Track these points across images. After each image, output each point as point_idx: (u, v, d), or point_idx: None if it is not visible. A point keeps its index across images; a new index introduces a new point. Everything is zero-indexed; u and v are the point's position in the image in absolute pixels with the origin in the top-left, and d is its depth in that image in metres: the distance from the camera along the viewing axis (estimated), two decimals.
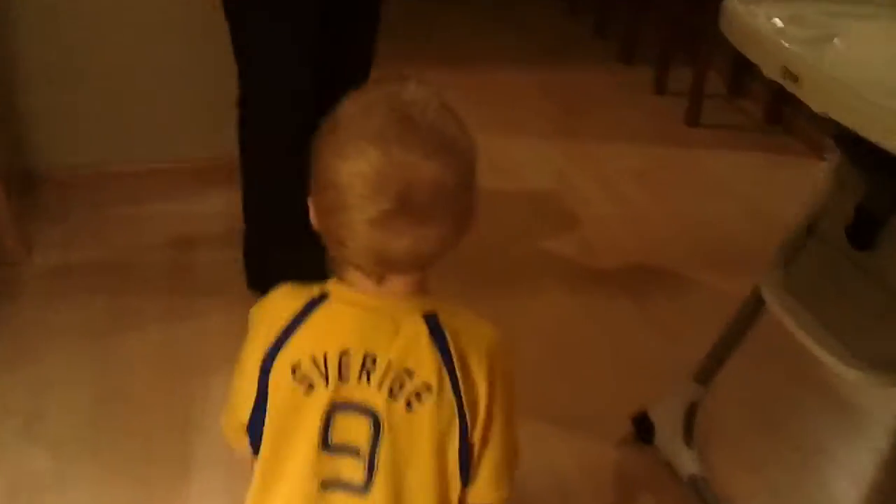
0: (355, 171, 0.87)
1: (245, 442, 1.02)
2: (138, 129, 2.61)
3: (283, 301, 1.00)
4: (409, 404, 0.95)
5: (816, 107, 1.06)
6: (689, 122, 3.29)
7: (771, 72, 1.13)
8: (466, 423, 0.97)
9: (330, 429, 0.97)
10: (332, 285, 0.99)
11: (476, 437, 0.98)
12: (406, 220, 0.88)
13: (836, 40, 1.15)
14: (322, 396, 0.96)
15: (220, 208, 2.55)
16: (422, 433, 0.96)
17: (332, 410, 0.97)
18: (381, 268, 0.94)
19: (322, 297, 0.98)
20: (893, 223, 1.28)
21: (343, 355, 0.96)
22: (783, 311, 1.46)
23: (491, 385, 0.98)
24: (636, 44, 3.80)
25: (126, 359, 2.04)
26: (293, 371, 0.96)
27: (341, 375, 0.96)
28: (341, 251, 0.93)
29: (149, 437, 1.83)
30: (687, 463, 1.75)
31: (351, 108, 0.93)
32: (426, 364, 0.95)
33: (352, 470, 0.98)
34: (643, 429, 1.86)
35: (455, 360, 0.96)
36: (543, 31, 4.20)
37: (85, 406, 1.90)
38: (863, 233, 1.31)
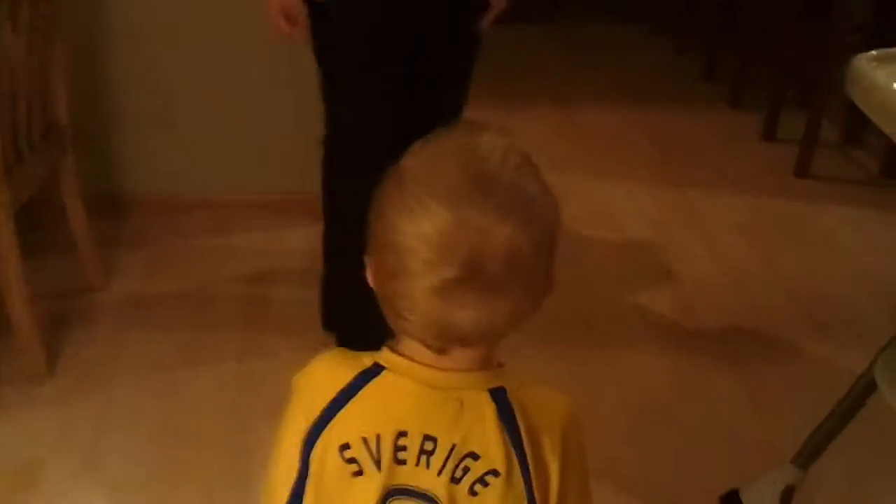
0: (419, 232, 0.79)
1: None
2: (225, 161, 2.63)
3: (331, 370, 0.91)
4: (473, 491, 0.87)
5: None
6: (798, 172, 3.12)
7: None
8: (534, 497, 0.87)
9: None
10: (386, 355, 0.90)
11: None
12: (474, 291, 0.79)
13: None
14: (373, 482, 0.87)
15: (301, 244, 2.51)
16: None
17: (386, 497, 0.88)
18: (444, 343, 0.84)
19: (375, 369, 0.89)
20: None
21: (399, 437, 0.86)
22: None
23: (564, 464, 0.89)
24: (745, 87, 3.65)
25: (193, 396, 2.00)
26: (341, 451, 0.87)
27: (397, 459, 0.87)
28: (400, 323, 0.85)
29: (208, 486, 1.77)
30: None
31: (418, 159, 0.85)
32: (493, 447, 0.86)
33: None
34: None
35: (525, 440, 0.87)
36: (648, 71, 4.09)
37: (146, 446, 1.86)
38: None
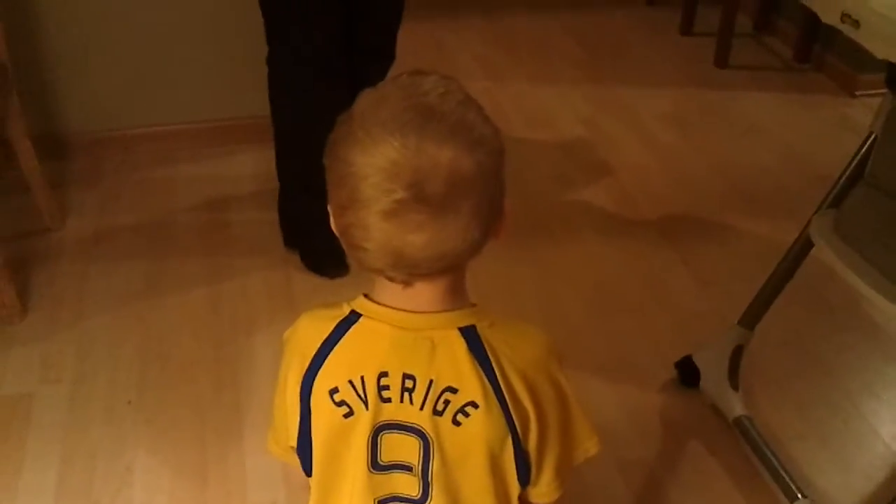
0: (368, 161, 0.82)
1: (296, 461, 1.01)
2: (167, 91, 2.60)
3: (313, 324, 0.97)
4: (456, 421, 0.92)
5: (878, 52, 1.04)
6: (718, 63, 3.24)
7: (829, 18, 1.10)
8: (518, 434, 0.93)
9: (378, 449, 0.95)
10: (361, 302, 0.94)
11: (531, 445, 0.95)
12: (422, 212, 0.82)
13: None
14: (364, 420, 0.93)
15: (252, 167, 2.55)
16: (472, 447, 0.93)
17: (378, 432, 0.94)
18: (403, 271, 0.87)
19: (353, 317, 0.94)
20: None
21: (381, 377, 0.92)
22: (834, 255, 1.46)
23: (539, 398, 0.94)
24: None
25: (168, 321, 2.05)
26: (331, 395, 0.93)
27: (381, 398, 0.92)
28: (360, 255, 0.88)
29: (199, 399, 1.85)
30: (733, 405, 1.76)
31: (366, 100, 0.87)
32: (468, 381, 0.91)
33: (407, 486, 0.97)
34: (687, 373, 1.87)
35: (498, 375, 0.91)
36: None
37: (132, 369, 1.93)
38: None
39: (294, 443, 0.99)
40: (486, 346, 0.91)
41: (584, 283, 2.19)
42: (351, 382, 0.92)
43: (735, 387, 1.78)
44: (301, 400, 0.95)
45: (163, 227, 2.37)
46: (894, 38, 1.03)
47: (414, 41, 3.14)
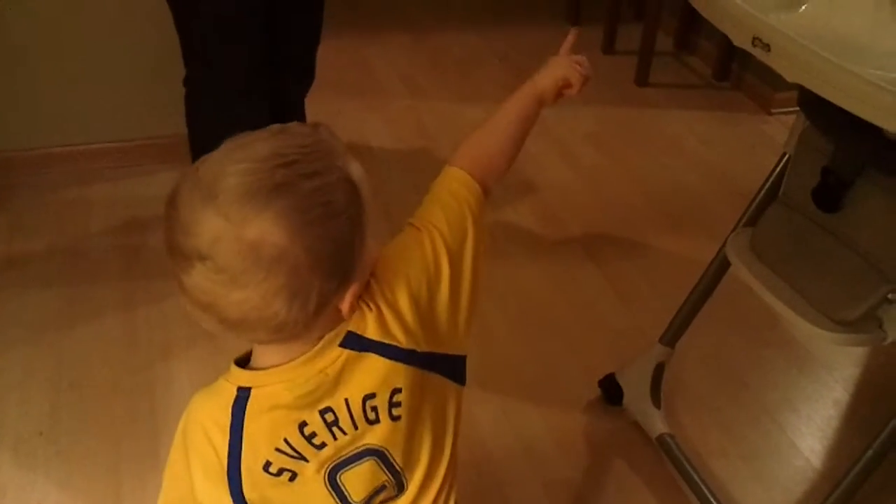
0: (177, 213, 0.84)
1: None
2: (81, 109, 2.53)
3: (210, 413, 0.92)
4: (393, 417, 0.92)
5: (789, 76, 1.05)
6: (638, 81, 3.28)
7: (741, 41, 1.11)
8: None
9: (345, 491, 0.94)
10: (242, 375, 0.91)
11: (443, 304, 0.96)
12: (216, 280, 0.80)
13: (804, 7, 1.14)
14: (311, 472, 0.92)
15: (170, 188, 2.48)
16: (420, 421, 0.94)
17: (332, 475, 0.93)
18: (227, 329, 0.85)
19: (242, 394, 0.90)
20: (860, 186, 1.29)
21: (303, 428, 0.90)
22: (750, 274, 1.48)
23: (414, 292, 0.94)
24: (582, 3, 3.77)
25: (83, 350, 1.99)
26: (266, 470, 0.91)
27: (315, 446, 0.91)
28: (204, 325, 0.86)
29: (113, 427, 1.80)
30: (656, 423, 1.77)
31: (226, 143, 0.85)
32: (376, 378, 0.90)
33: (387, 494, 0.98)
34: (611, 392, 1.88)
35: (390, 340, 0.90)
36: None
37: (44, 402, 1.86)
38: (829, 196, 1.32)
39: None
40: (366, 333, 0.90)
41: (509, 301, 2.18)
42: (279, 450, 0.90)
43: (657, 404, 1.79)
44: (233, 495, 0.92)
45: (76, 250, 2.30)
46: (804, 61, 1.05)
47: (339, 58, 3.14)
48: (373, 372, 0.90)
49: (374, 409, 0.91)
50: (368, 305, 0.90)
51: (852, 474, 1.41)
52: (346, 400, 0.90)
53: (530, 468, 1.76)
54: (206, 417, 0.93)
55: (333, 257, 0.83)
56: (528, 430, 1.82)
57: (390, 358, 0.91)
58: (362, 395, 0.90)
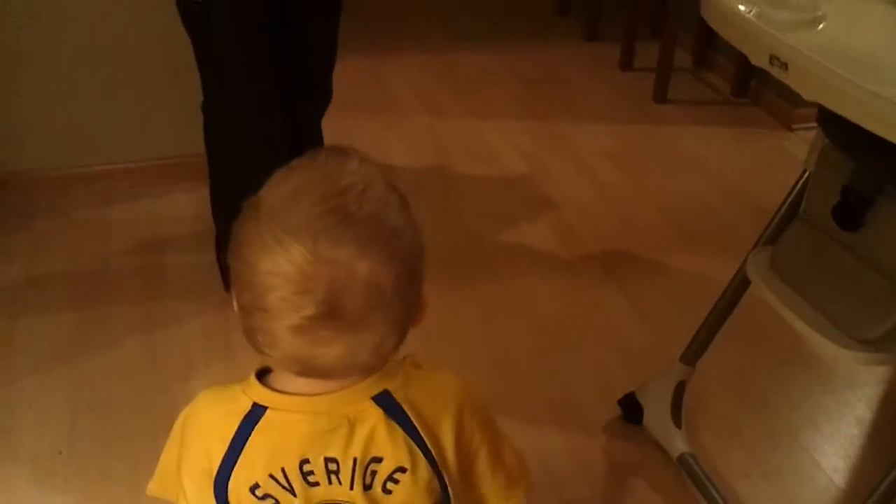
0: (276, 270, 0.76)
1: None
2: (101, 130, 2.55)
3: (214, 421, 0.90)
4: (386, 490, 0.89)
5: (807, 94, 1.04)
6: (657, 98, 3.28)
7: (758, 60, 1.11)
8: (445, 482, 0.91)
9: None
10: (262, 393, 0.88)
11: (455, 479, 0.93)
12: (334, 328, 0.77)
13: (822, 25, 1.13)
14: None
15: (190, 207, 2.51)
16: None
17: None
18: (311, 376, 0.84)
19: (257, 411, 0.87)
20: (880, 203, 1.27)
21: (303, 464, 0.88)
22: (770, 292, 1.46)
23: (462, 442, 0.92)
24: (599, 21, 3.78)
25: (102, 370, 1.99)
26: (252, 492, 0.88)
27: (308, 483, 0.88)
28: (263, 354, 0.83)
29: (132, 447, 1.79)
30: (677, 442, 1.76)
31: (276, 193, 0.80)
32: (392, 448, 0.88)
33: None
34: (631, 411, 1.86)
35: (422, 432, 0.88)
36: (505, 11, 4.15)
37: (63, 422, 1.86)
38: (850, 214, 1.31)
39: None
40: (403, 406, 0.88)
41: (527, 320, 2.17)
42: (272, 476, 0.88)
43: (678, 424, 1.78)
44: (217, 496, 0.90)
45: (96, 271, 2.30)
46: (822, 80, 1.04)
47: (356, 75, 3.15)
48: (391, 442, 0.88)
49: (374, 474, 0.89)
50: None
51: (877, 494, 1.38)
52: (355, 459, 0.87)
53: (548, 487, 1.74)
54: (209, 420, 0.91)
55: (413, 281, 0.83)
56: (547, 449, 1.80)
57: (415, 442, 0.88)
58: (369, 459, 0.88)
